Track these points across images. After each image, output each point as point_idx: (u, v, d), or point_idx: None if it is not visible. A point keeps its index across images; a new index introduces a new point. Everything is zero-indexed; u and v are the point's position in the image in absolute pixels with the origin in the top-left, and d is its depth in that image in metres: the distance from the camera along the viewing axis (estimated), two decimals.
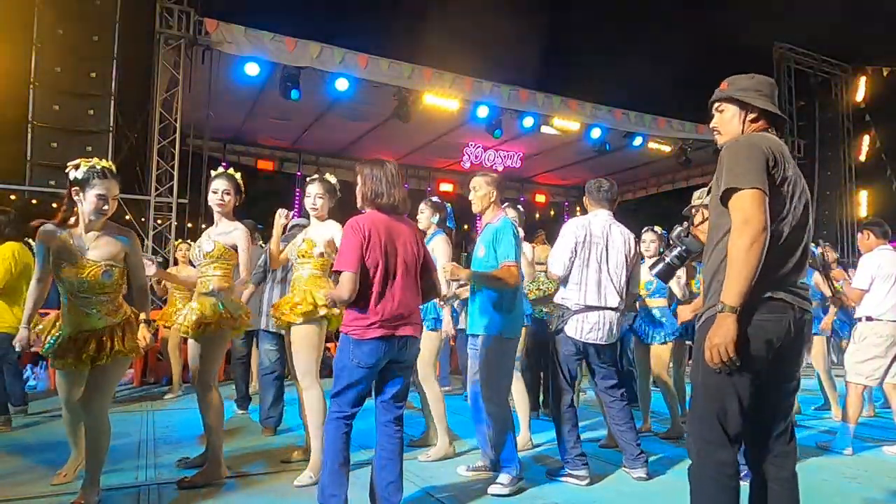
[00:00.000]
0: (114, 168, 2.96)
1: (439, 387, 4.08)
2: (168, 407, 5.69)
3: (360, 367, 2.63)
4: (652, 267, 2.33)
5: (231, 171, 3.64)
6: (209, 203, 3.58)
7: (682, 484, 3.42)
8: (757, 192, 1.93)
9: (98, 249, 2.86)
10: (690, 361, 4.50)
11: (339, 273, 2.62)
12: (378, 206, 2.76)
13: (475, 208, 3.59)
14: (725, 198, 1.99)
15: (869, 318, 4.34)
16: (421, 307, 3.94)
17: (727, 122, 2.23)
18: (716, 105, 2.26)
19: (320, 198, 3.58)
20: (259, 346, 4.92)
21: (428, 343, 3.98)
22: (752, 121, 2.20)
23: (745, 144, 2.04)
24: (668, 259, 2.37)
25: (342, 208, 3.67)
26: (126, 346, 2.92)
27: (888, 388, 4.44)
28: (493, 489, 3.23)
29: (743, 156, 2.00)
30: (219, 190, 3.50)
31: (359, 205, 2.85)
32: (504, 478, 3.25)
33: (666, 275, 2.35)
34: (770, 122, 2.25)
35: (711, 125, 2.28)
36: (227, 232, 3.48)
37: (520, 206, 4.76)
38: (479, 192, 3.54)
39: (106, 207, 2.87)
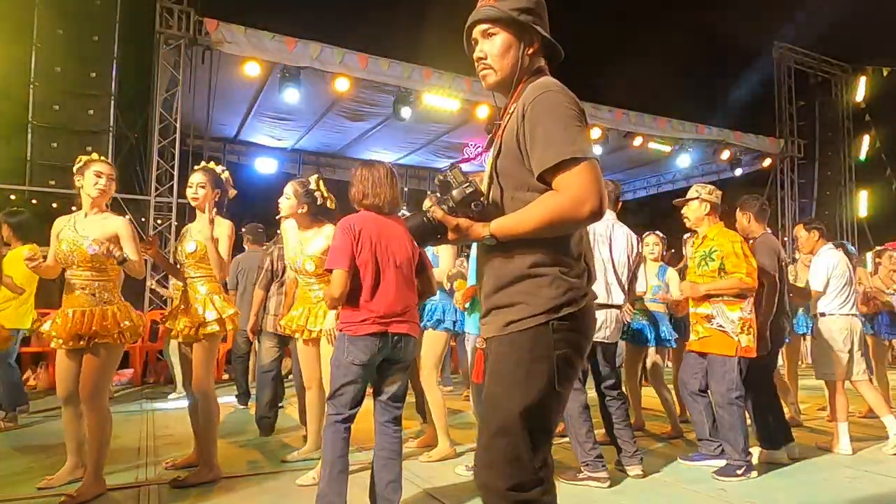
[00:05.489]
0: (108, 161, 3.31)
1: (441, 389, 4.08)
2: (168, 407, 5.69)
3: (355, 364, 2.65)
4: (408, 219, 1.61)
5: (211, 164, 3.59)
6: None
7: (677, 481, 3.42)
8: (594, 164, 1.48)
9: (89, 228, 3.13)
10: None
11: (331, 271, 2.68)
12: (364, 206, 2.82)
13: None
14: (555, 170, 1.47)
15: (823, 315, 4.49)
16: (426, 307, 3.97)
17: (500, 55, 1.64)
18: (483, 28, 1.65)
19: (286, 198, 3.52)
20: (259, 344, 4.93)
21: (432, 344, 3.97)
22: (533, 55, 1.65)
23: (567, 96, 1.54)
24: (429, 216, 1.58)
25: (342, 210, 3.66)
26: (108, 327, 3.06)
27: (857, 385, 4.49)
28: None
29: (571, 113, 1.51)
30: (193, 184, 3.46)
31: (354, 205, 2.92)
32: None
33: (422, 234, 1.58)
34: (547, 56, 1.69)
35: (476, 55, 1.68)
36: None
37: None
38: None
39: (103, 181, 3.15)
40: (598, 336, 3.53)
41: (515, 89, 1.64)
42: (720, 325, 3.69)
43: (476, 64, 1.69)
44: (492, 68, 1.66)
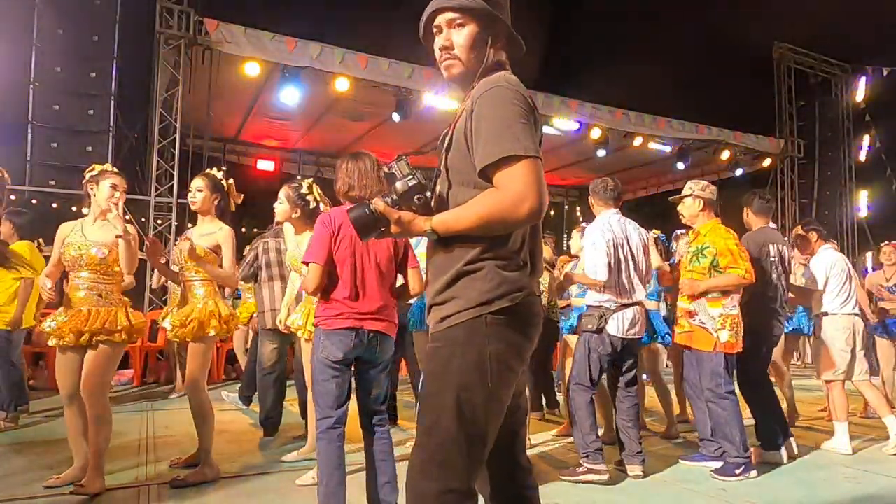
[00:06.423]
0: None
1: None
2: (168, 407, 5.69)
3: (330, 359, 2.59)
4: (351, 210, 1.54)
5: (213, 170, 3.61)
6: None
7: (677, 481, 3.42)
8: (536, 163, 1.45)
9: (97, 233, 3.22)
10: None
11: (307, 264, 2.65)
12: (350, 199, 2.75)
13: None
14: (497, 166, 1.45)
15: (825, 314, 4.53)
16: (419, 308, 3.94)
17: (469, 47, 1.58)
18: (452, 17, 1.58)
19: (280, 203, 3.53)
20: (258, 344, 4.89)
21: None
22: (498, 49, 1.63)
23: (516, 93, 1.51)
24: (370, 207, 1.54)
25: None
26: (109, 326, 3.11)
27: (858, 385, 4.50)
28: None
29: (517, 110, 1.49)
30: (192, 188, 3.50)
31: (339, 198, 2.87)
32: None
33: (364, 226, 1.53)
34: (508, 50, 1.67)
35: (441, 44, 1.60)
36: (208, 233, 3.43)
37: None
38: None
39: (117, 195, 3.23)
40: (631, 333, 3.64)
41: (475, 83, 1.60)
42: (701, 322, 3.77)
43: (439, 53, 1.62)
44: (458, 59, 1.59)
